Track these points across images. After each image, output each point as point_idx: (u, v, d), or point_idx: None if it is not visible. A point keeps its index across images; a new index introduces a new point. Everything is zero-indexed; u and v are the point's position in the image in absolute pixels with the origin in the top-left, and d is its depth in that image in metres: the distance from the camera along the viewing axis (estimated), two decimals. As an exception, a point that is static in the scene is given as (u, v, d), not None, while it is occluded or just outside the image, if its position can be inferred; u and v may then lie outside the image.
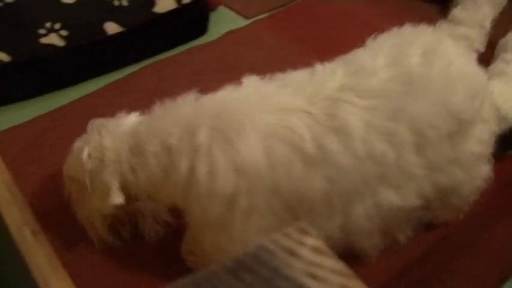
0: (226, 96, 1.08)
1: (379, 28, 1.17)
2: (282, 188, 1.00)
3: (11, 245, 1.03)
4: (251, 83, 1.11)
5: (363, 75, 1.07)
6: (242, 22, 2.13)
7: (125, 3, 1.87)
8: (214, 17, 2.12)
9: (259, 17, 2.16)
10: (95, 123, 1.18)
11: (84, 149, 1.12)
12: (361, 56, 1.12)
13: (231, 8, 2.20)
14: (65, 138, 1.35)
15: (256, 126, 1.00)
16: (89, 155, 1.12)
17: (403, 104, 1.04)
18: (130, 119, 1.17)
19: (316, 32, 2.09)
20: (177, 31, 1.97)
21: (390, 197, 1.07)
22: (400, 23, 1.19)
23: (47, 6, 1.81)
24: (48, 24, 1.75)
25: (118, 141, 1.10)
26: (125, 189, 1.10)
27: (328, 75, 1.08)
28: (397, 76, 1.06)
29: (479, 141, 1.17)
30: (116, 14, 1.84)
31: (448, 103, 1.07)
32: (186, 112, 1.06)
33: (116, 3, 1.85)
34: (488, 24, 1.21)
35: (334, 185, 1.02)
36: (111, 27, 1.81)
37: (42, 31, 1.74)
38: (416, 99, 1.05)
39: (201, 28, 2.03)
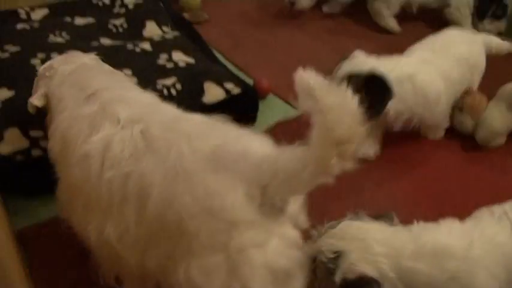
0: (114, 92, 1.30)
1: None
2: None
3: None
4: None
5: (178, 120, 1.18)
6: (292, 111, 2.07)
7: (174, 92, 1.85)
8: (263, 105, 2.07)
9: (310, 106, 2.11)
10: (71, 53, 1.61)
11: (45, 64, 1.51)
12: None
13: (280, 97, 2.16)
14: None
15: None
16: (44, 68, 1.50)
17: (148, 147, 1.09)
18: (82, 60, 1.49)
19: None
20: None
21: (109, 228, 1.11)
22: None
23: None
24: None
25: (60, 68, 1.43)
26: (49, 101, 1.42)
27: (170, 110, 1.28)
28: (178, 136, 1.09)
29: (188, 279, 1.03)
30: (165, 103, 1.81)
31: (172, 197, 1.03)
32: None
33: (165, 92, 1.83)
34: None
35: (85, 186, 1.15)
36: (159, 117, 1.77)
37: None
38: (159, 159, 1.06)
39: (250, 118, 1.97)
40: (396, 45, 2.52)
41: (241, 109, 1.92)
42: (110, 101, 1.23)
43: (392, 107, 1.73)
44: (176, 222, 1.02)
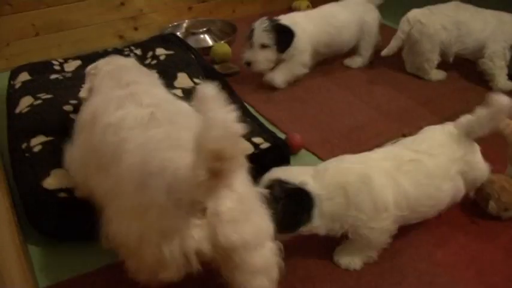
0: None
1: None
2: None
3: None
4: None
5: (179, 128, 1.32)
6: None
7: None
8: (295, 160, 2.00)
9: (343, 162, 2.03)
10: (113, 56, 1.84)
11: (91, 65, 1.77)
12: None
13: (313, 152, 2.09)
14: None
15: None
16: (90, 67, 1.76)
17: (147, 124, 1.33)
18: (121, 62, 1.77)
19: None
20: (255, 176, 1.86)
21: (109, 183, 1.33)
22: None
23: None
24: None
25: (103, 68, 1.70)
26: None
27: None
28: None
29: None
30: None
31: (139, 162, 1.22)
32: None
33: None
34: None
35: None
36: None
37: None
38: (144, 132, 1.30)
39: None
40: (428, 96, 2.47)
41: (271, 163, 1.86)
42: (138, 91, 1.47)
43: (323, 224, 1.50)
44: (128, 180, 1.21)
